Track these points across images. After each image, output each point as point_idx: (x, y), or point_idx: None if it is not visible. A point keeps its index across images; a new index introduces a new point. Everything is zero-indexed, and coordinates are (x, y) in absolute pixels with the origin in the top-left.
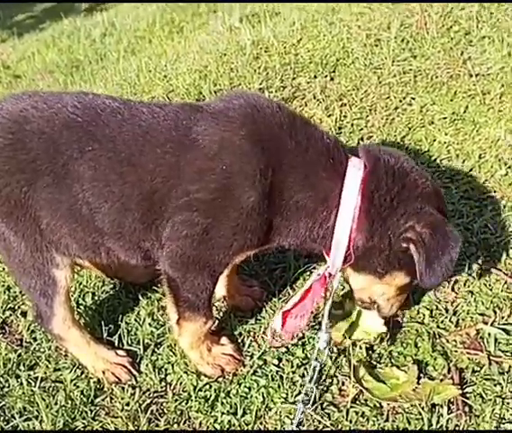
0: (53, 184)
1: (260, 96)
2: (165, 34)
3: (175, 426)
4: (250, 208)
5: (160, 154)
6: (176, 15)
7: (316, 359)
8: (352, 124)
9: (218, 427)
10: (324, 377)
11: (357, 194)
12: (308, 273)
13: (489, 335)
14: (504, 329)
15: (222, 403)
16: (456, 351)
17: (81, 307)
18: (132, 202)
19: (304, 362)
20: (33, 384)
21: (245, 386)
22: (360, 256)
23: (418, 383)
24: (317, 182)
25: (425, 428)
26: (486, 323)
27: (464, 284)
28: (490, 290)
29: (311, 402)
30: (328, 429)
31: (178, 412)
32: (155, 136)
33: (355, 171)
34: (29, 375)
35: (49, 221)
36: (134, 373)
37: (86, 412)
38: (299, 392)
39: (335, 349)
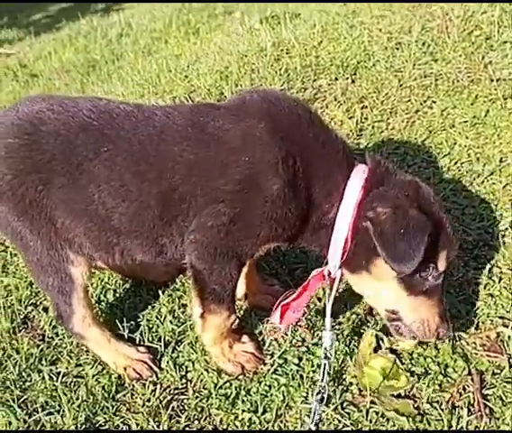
0: (68, 184)
1: (277, 92)
2: (181, 35)
3: (195, 422)
4: (275, 196)
5: (178, 152)
6: (192, 17)
7: (325, 357)
8: (373, 127)
9: (239, 424)
10: (344, 376)
11: (359, 191)
12: None
13: (509, 338)
14: None
15: (242, 401)
16: (476, 353)
17: (103, 303)
18: (151, 200)
19: (330, 356)
20: (55, 379)
21: (265, 384)
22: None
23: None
24: (327, 178)
25: (445, 428)
26: (506, 326)
27: (484, 287)
28: (511, 293)
29: (325, 401)
30: (348, 429)
31: (199, 409)
32: (170, 135)
33: (360, 172)
34: (51, 370)
35: (64, 220)
36: (155, 369)
37: (107, 408)
38: (318, 392)
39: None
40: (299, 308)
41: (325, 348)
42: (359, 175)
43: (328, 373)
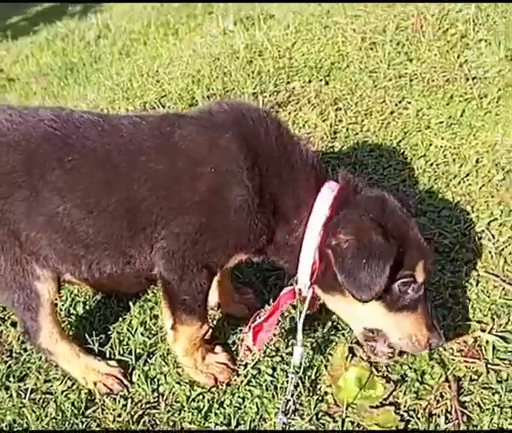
0: (31, 196)
1: (246, 103)
2: (160, 36)
3: None
4: (239, 207)
5: (145, 162)
6: (171, 17)
7: (293, 372)
8: (348, 129)
9: None
10: (319, 386)
11: (327, 209)
12: None
13: (487, 342)
14: (502, 337)
15: (215, 414)
16: (453, 359)
17: (72, 317)
18: (118, 211)
19: (298, 371)
20: (23, 396)
21: (239, 396)
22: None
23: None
24: (295, 192)
25: None
26: (484, 330)
27: (462, 291)
28: (488, 296)
29: (290, 414)
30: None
31: (171, 423)
32: (138, 145)
33: (329, 189)
34: (19, 387)
35: (28, 233)
36: (126, 383)
37: (77, 424)
38: (286, 404)
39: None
40: (271, 327)
41: (294, 364)
42: (327, 193)
43: (295, 387)
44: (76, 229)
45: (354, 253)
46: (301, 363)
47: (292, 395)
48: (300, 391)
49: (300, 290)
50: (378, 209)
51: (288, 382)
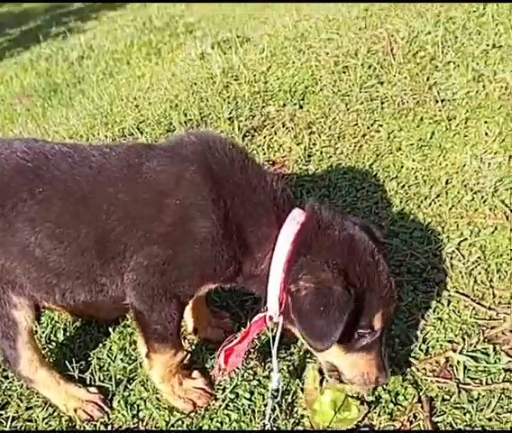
0: (4, 227)
1: (213, 134)
2: (143, 56)
3: None
4: (204, 239)
5: (113, 193)
6: (153, 36)
7: (272, 397)
8: (321, 152)
9: None
10: (295, 409)
11: (290, 244)
12: None
13: (458, 362)
14: (472, 356)
15: None
16: (426, 379)
17: (53, 343)
18: (87, 241)
19: (275, 394)
20: (5, 424)
21: (217, 421)
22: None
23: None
24: (259, 224)
25: None
26: (455, 350)
27: (433, 311)
28: (459, 316)
29: None
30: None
31: None
32: (107, 176)
33: (293, 223)
34: (0, 415)
35: (3, 263)
36: (106, 409)
37: None
38: (271, 427)
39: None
40: (242, 352)
41: (273, 389)
42: (291, 227)
43: (273, 410)
44: (48, 259)
45: (312, 302)
46: (278, 389)
47: (269, 419)
48: (277, 415)
49: (271, 316)
50: (342, 253)
51: (265, 405)
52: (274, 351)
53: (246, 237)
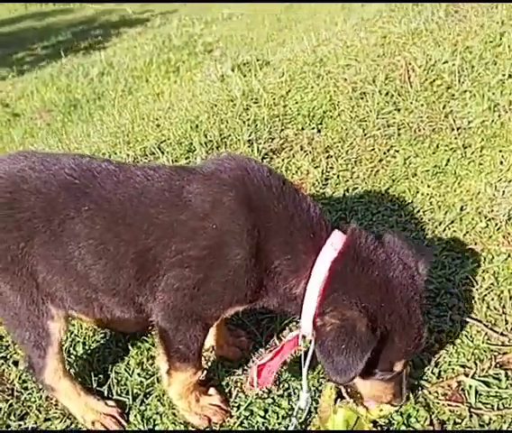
0: (50, 241)
1: (252, 160)
2: (161, 74)
3: None
4: (237, 266)
5: (154, 214)
6: (172, 55)
7: (296, 415)
8: (338, 176)
9: None
10: (309, 428)
11: (326, 271)
12: (294, 324)
13: (470, 387)
14: (484, 381)
15: None
16: (438, 403)
17: (72, 356)
18: (127, 260)
19: (289, 413)
20: None
21: None
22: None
23: None
24: (295, 252)
25: None
26: (467, 375)
27: (446, 335)
28: (472, 341)
29: None
30: None
31: None
32: (149, 197)
33: (330, 249)
34: (19, 425)
35: (45, 275)
36: (123, 423)
37: None
38: None
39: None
40: (274, 368)
41: (299, 408)
42: (327, 255)
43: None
44: (89, 274)
45: (335, 338)
46: (307, 408)
47: None
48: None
49: (304, 336)
50: (375, 297)
51: (279, 423)
52: (305, 370)
53: (281, 264)
